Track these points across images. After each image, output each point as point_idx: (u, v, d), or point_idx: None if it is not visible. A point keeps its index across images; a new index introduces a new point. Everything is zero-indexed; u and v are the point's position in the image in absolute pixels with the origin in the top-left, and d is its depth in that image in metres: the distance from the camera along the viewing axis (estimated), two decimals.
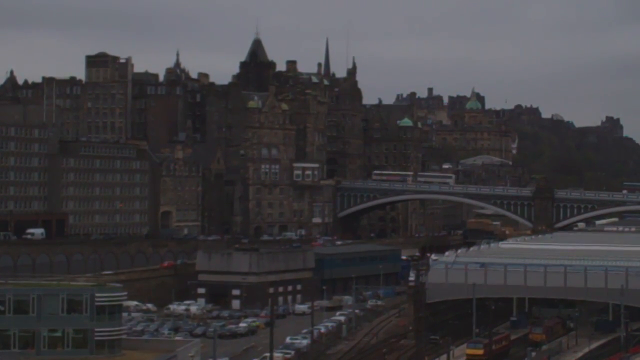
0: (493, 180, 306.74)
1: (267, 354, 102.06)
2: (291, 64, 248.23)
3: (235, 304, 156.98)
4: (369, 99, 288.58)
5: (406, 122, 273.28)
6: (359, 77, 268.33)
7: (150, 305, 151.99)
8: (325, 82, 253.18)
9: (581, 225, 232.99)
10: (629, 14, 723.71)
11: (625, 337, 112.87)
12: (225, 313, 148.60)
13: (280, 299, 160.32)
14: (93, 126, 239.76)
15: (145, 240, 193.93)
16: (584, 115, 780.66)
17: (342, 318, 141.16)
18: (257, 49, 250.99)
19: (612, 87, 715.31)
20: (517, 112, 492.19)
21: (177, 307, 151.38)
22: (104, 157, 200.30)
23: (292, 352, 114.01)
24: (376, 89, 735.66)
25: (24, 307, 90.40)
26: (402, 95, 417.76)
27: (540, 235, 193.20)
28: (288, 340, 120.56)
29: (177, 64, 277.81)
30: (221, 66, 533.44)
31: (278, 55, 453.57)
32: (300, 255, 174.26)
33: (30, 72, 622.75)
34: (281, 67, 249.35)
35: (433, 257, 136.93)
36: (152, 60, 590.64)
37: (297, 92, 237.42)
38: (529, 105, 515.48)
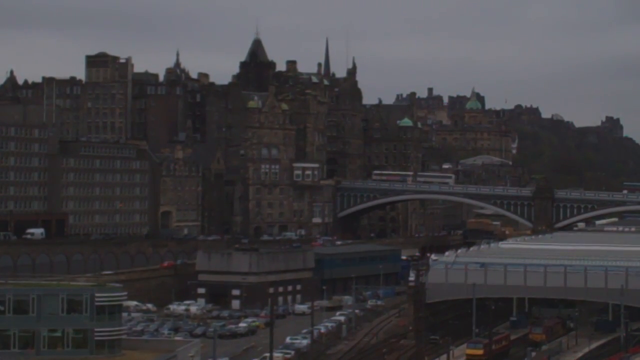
0: (493, 180, 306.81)
1: (267, 354, 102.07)
2: (291, 64, 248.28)
3: (235, 304, 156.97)
4: (369, 99, 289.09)
5: (406, 122, 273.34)
6: (359, 77, 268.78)
7: (150, 306, 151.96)
8: (325, 82, 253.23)
9: (581, 225, 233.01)
10: (629, 14, 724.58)
11: (625, 337, 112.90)
12: (225, 313, 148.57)
13: (280, 299, 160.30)
14: (93, 126, 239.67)
15: (145, 240, 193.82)
16: (584, 115, 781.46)
17: (342, 318, 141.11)
18: (257, 49, 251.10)
19: (612, 87, 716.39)
20: (517, 112, 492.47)
21: (177, 307, 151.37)
22: (104, 157, 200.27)
23: (292, 352, 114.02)
24: (376, 89, 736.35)
25: (24, 307, 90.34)
26: (402, 95, 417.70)
27: (540, 235, 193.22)
28: (288, 340, 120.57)
29: (177, 64, 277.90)
30: (221, 66, 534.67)
31: (278, 55, 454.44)
32: (300, 255, 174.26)
33: (30, 72, 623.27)
34: (281, 67, 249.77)
35: (433, 257, 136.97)
36: (152, 60, 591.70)
37: (297, 92, 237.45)
38: (529, 105, 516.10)
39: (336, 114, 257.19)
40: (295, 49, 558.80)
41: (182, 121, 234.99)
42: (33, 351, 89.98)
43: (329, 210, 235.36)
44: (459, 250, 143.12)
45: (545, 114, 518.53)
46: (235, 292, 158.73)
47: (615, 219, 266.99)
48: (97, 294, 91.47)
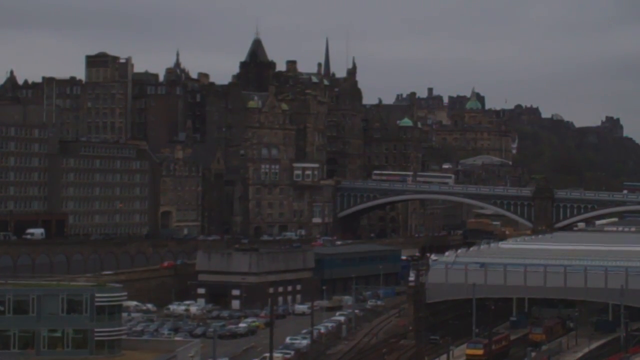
0: (493, 180, 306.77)
1: (267, 354, 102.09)
2: (291, 64, 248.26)
3: (235, 304, 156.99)
4: (369, 99, 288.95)
5: (406, 122, 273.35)
6: (358, 77, 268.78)
7: (150, 306, 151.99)
8: (325, 82, 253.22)
9: (581, 225, 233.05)
10: (629, 14, 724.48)
11: (625, 337, 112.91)
12: (225, 313, 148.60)
13: (280, 299, 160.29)
14: (93, 126, 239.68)
15: (145, 241, 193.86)
16: (584, 115, 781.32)
17: (342, 318, 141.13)
18: (257, 49, 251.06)
19: (612, 87, 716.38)
20: (517, 112, 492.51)
21: (177, 308, 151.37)
22: (104, 157, 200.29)
23: (292, 352, 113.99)
24: (376, 89, 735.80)
25: (24, 307, 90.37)
26: (402, 95, 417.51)
27: (540, 235, 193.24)
28: (288, 340, 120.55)
29: (177, 64, 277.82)
30: (221, 66, 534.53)
31: (278, 55, 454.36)
32: (300, 255, 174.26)
33: (30, 72, 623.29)
34: (281, 67, 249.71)
35: (433, 257, 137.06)
36: (152, 60, 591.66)
37: (297, 92, 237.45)
38: (529, 105, 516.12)
39: (336, 114, 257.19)
40: (295, 49, 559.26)
41: (182, 121, 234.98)
42: (33, 351, 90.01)
43: (329, 210, 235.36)
44: (459, 250, 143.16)
45: (545, 114, 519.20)
46: (235, 292, 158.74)
47: (615, 219, 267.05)
48: (97, 294, 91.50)
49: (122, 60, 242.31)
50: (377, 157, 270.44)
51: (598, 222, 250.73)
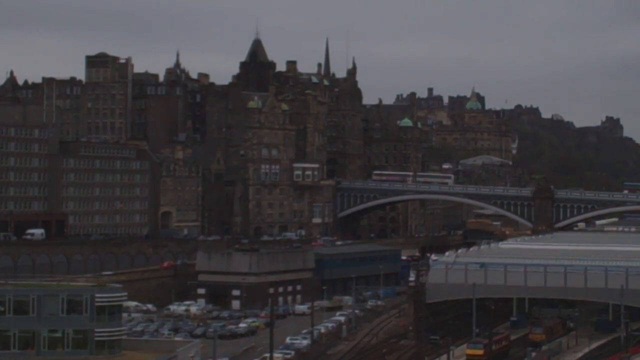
0: (493, 181, 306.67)
1: (267, 354, 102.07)
2: (291, 64, 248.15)
3: (235, 304, 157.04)
4: (369, 99, 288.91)
5: (406, 122, 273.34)
6: (359, 77, 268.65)
7: (150, 306, 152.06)
8: (325, 82, 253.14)
9: (581, 225, 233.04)
10: (629, 14, 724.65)
11: (625, 337, 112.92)
12: (225, 313, 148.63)
13: (280, 299, 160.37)
14: (93, 126, 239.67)
15: (145, 241, 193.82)
16: (584, 115, 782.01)
17: (342, 318, 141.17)
18: (257, 49, 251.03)
19: (612, 87, 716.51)
20: (517, 112, 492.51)
21: (177, 308, 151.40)
22: (104, 157, 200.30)
23: (292, 353, 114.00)
24: (376, 89, 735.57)
25: (24, 307, 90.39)
26: (402, 95, 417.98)
27: (540, 235, 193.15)
28: (288, 340, 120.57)
29: (177, 64, 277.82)
30: (221, 66, 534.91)
31: (278, 56, 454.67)
32: (300, 256, 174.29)
33: (30, 72, 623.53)
34: (281, 67, 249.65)
35: (433, 257, 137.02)
36: (152, 61, 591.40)
37: (297, 92, 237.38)
38: (529, 105, 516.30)
39: (336, 114, 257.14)
40: (295, 49, 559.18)
41: (182, 121, 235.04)
42: (33, 352, 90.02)
43: (329, 211, 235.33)
44: (459, 251, 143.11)
45: (545, 114, 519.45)
46: (235, 292, 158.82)
47: (615, 219, 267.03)
48: (97, 295, 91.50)
49: (122, 61, 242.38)
50: (377, 157, 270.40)
51: (598, 222, 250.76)
